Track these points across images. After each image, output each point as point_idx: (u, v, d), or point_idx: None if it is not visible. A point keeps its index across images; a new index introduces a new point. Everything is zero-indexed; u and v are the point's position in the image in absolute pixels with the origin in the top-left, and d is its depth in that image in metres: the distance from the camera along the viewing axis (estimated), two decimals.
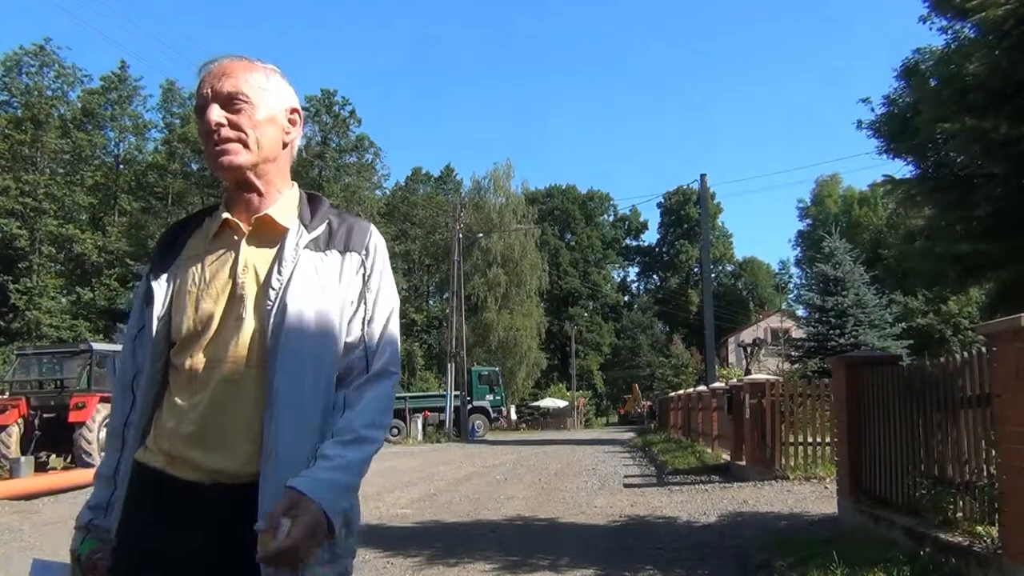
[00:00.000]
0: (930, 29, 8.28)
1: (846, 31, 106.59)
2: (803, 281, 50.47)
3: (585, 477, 12.29)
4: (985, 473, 4.57)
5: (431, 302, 62.88)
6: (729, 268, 77.59)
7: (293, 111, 1.56)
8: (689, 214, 71.30)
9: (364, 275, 1.52)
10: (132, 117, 44.72)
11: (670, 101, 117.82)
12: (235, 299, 1.45)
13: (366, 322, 1.49)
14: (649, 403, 42.86)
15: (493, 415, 33.43)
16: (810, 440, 10.23)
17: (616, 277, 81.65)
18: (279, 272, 1.45)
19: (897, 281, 32.94)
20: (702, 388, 17.56)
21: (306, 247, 1.48)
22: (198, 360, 1.43)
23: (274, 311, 1.42)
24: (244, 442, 1.39)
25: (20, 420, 13.25)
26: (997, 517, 4.24)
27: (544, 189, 74.53)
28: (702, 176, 28.43)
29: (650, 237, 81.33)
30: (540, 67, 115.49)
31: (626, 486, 10.82)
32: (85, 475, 10.72)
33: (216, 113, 1.46)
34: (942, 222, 7.64)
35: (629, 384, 58.99)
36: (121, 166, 44.82)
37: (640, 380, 57.12)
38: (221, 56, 1.53)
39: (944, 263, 7.58)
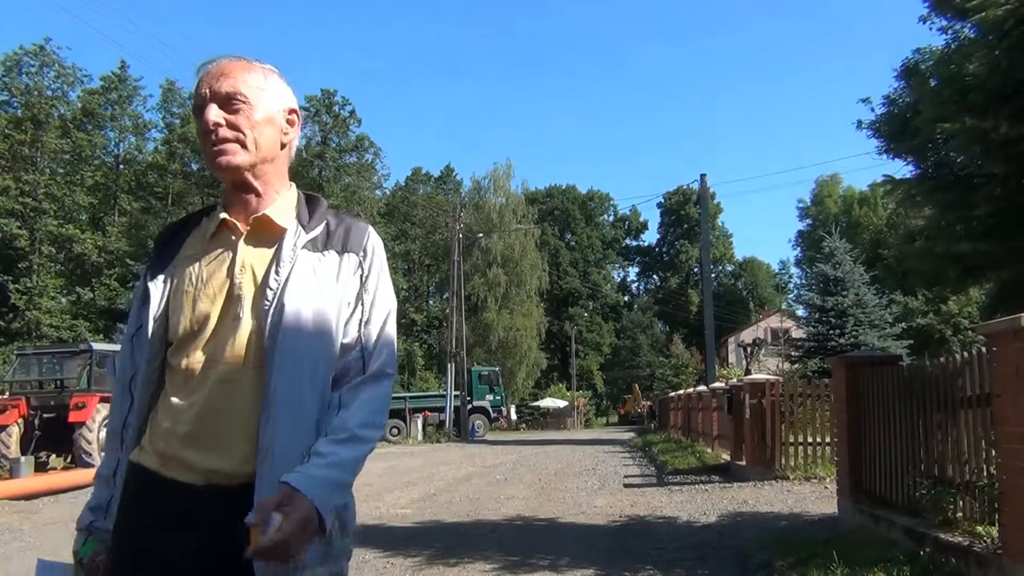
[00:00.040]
0: (930, 29, 8.27)
1: (846, 31, 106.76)
2: (803, 281, 50.49)
3: (585, 477, 12.28)
4: (985, 473, 4.57)
5: (431, 302, 62.89)
6: (729, 268, 77.59)
7: (291, 111, 1.56)
8: (689, 214, 71.29)
9: (362, 276, 1.51)
10: (132, 117, 44.78)
11: (670, 101, 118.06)
12: (232, 299, 1.45)
13: (363, 323, 1.49)
14: (649, 403, 42.85)
15: (493, 415, 33.40)
16: (810, 440, 10.23)
17: (616, 277, 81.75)
18: (277, 272, 1.44)
19: (897, 281, 32.90)
20: (702, 388, 17.55)
21: (304, 247, 1.48)
22: (195, 360, 1.43)
23: (271, 311, 1.41)
24: (240, 442, 1.38)
25: (20, 420, 13.26)
26: (997, 517, 4.24)
27: (544, 189, 74.59)
28: (702, 176, 28.47)
29: (650, 237, 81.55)
30: (540, 67, 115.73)
31: (626, 486, 10.82)
32: (85, 475, 10.72)
33: (214, 113, 1.45)
34: (942, 222, 7.64)
35: (629, 384, 58.93)
36: (121, 166, 44.85)
37: (640, 380, 57.07)
38: (219, 56, 1.52)
39: (944, 263, 7.58)
